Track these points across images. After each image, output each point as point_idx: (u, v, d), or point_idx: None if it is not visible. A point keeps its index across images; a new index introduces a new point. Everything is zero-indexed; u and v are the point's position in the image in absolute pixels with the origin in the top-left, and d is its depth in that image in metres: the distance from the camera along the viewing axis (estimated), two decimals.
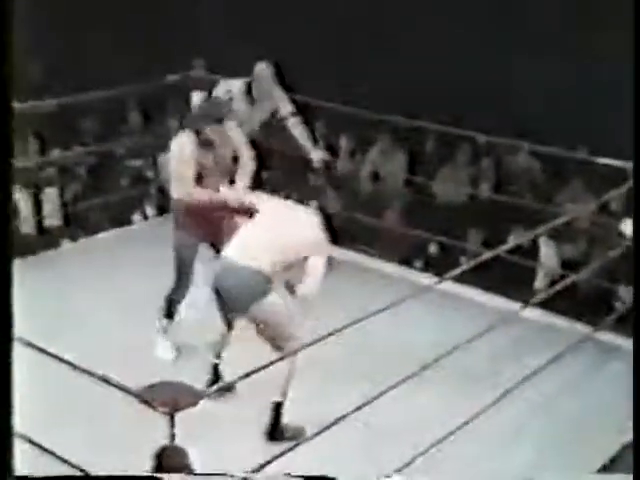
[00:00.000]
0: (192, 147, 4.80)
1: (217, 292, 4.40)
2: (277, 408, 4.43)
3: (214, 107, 5.06)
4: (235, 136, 5.07)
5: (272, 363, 3.65)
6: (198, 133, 4.83)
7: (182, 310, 5.12)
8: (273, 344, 4.36)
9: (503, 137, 7.09)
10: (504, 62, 7.98)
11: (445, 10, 8.48)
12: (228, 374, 4.56)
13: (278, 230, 4.45)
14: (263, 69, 6.07)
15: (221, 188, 4.85)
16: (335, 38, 9.06)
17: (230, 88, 6.00)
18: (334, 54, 9.00)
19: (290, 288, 4.47)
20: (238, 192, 4.85)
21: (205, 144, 4.83)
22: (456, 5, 8.43)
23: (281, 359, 3.98)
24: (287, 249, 4.41)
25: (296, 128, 6.23)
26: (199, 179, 4.83)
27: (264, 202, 4.64)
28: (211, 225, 4.86)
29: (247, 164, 5.07)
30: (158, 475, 2.88)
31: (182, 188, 4.81)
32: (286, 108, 6.21)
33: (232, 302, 4.35)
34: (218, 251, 4.72)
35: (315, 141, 6.50)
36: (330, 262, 4.67)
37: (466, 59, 8.19)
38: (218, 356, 4.73)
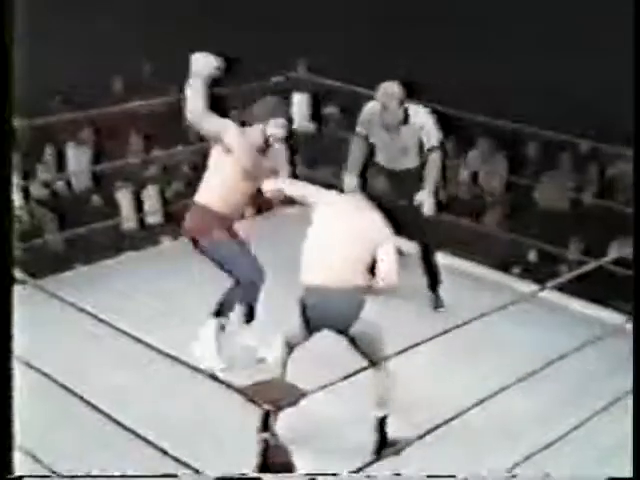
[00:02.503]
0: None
1: (306, 320, 4.19)
2: (382, 423, 4.34)
3: (273, 104, 4.89)
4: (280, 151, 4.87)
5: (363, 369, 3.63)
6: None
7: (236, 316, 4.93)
8: (367, 359, 4.19)
9: (609, 143, 6.95)
10: (612, 64, 7.81)
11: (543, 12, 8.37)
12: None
13: (347, 235, 4.20)
14: (385, 91, 5.32)
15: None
16: (441, 38, 9.02)
17: (371, 111, 5.48)
18: (441, 55, 8.97)
19: (369, 288, 4.24)
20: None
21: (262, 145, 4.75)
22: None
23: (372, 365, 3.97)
24: (362, 252, 4.18)
25: (430, 164, 5.48)
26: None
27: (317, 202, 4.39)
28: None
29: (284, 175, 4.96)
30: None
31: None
32: (430, 139, 5.46)
33: (331, 327, 4.25)
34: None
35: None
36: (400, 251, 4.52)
37: (571, 62, 8.06)
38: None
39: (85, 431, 4.17)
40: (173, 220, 8.61)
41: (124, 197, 8.88)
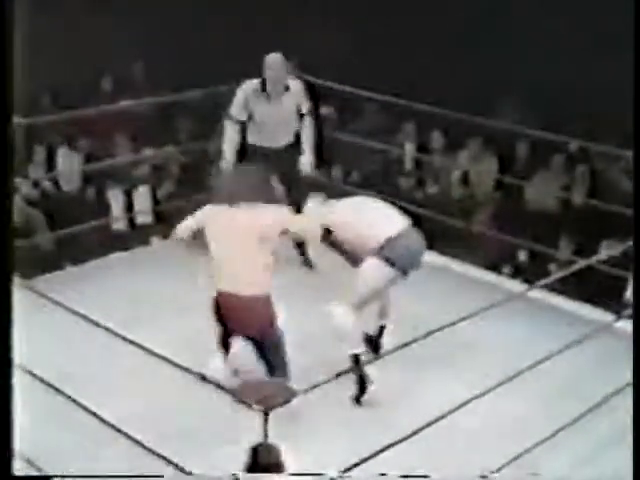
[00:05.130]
0: None
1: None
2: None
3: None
4: None
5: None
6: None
7: None
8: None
9: (599, 143, 6.95)
10: (604, 63, 7.79)
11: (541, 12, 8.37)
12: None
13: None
14: (275, 61, 5.75)
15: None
16: (431, 37, 9.01)
17: (246, 91, 5.83)
18: (431, 54, 8.96)
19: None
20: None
21: None
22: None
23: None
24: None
25: (304, 128, 5.98)
26: None
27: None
28: None
29: None
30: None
31: None
32: (305, 106, 5.95)
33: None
34: None
35: (319, 149, 6.19)
36: None
37: (564, 60, 8.07)
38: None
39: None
40: (163, 220, 8.60)
41: (114, 197, 8.85)
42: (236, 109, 5.88)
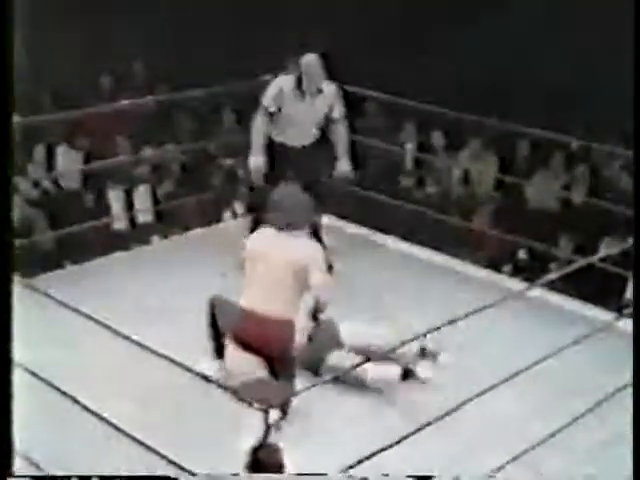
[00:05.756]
0: None
1: None
2: None
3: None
4: None
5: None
6: None
7: None
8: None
9: (600, 142, 6.96)
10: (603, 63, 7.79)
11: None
12: None
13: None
14: (312, 61, 5.71)
15: None
16: (431, 35, 9.01)
17: (281, 85, 5.76)
18: (430, 53, 8.96)
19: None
20: None
21: None
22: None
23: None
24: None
25: (338, 133, 5.93)
26: None
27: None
28: None
29: None
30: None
31: None
32: (338, 110, 5.89)
33: None
34: None
35: (353, 155, 6.11)
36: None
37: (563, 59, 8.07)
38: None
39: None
40: (163, 220, 8.62)
41: (115, 196, 8.85)
42: (268, 100, 5.77)
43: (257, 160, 5.78)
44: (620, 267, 6.26)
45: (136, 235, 8.21)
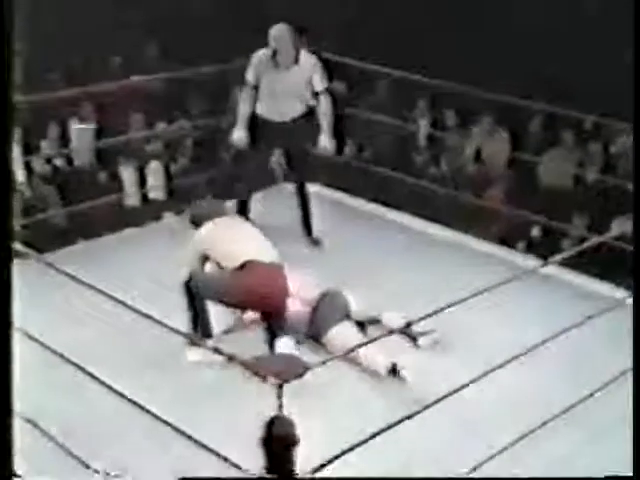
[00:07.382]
0: None
1: None
2: None
3: None
4: None
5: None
6: None
7: None
8: None
9: (612, 118, 6.89)
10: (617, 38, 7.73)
11: None
12: None
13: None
14: (281, 31, 5.76)
15: None
16: (442, 12, 8.96)
17: (260, 57, 5.84)
18: (442, 29, 8.91)
19: None
20: None
21: None
22: None
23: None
24: None
25: (321, 107, 5.94)
26: None
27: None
28: None
29: None
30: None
31: None
32: (319, 82, 5.88)
33: None
34: None
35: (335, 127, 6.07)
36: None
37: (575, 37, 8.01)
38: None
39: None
40: (175, 196, 8.61)
41: (127, 172, 8.85)
42: (250, 74, 5.88)
43: (239, 134, 5.92)
44: (634, 245, 6.24)
45: (148, 211, 8.21)
